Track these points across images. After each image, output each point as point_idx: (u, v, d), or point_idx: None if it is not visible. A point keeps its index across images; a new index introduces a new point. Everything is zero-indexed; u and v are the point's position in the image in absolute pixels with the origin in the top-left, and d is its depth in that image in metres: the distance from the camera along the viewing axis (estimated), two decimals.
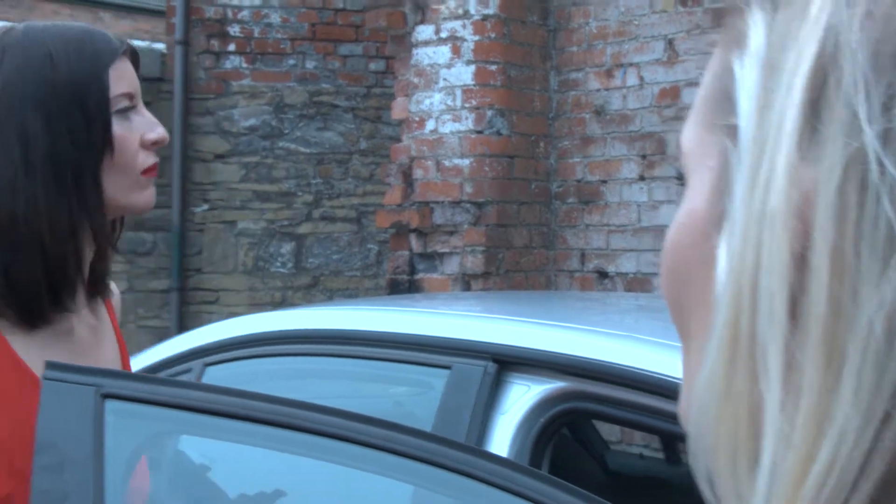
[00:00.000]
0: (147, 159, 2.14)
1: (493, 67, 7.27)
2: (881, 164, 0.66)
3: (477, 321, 3.38)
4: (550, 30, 7.62)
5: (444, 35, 7.43)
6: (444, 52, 7.42)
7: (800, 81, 0.70)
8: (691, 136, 0.83)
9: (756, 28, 0.76)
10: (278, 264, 9.97)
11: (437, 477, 2.12)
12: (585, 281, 7.31)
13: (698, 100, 0.84)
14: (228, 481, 2.60)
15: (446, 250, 7.22)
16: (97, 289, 2.25)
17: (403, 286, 7.35)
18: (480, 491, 2.08)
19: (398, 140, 7.85)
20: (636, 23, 7.19)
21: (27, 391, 2.03)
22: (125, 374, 2.27)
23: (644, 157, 7.08)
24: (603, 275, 7.21)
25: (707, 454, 0.74)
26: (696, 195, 0.81)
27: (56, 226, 2.01)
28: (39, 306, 2.04)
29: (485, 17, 7.29)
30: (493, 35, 7.30)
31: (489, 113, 7.21)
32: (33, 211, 1.99)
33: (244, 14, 10.18)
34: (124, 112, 2.10)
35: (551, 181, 7.53)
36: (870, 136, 0.66)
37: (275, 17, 10.20)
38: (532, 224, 7.39)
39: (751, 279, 0.71)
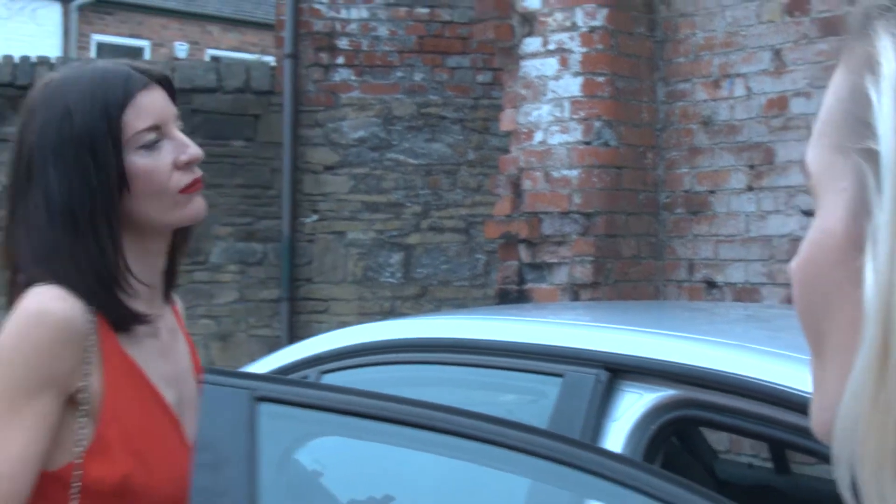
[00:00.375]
0: (183, 178, 2.34)
1: (601, 79, 7.30)
2: None
3: (588, 330, 3.43)
4: (658, 41, 7.63)
5: (551, 47, 7.47)
6: (551, 63, 7.46)
7: None
8: (819, 159, 0.86)
9: (887, 53, 0.78)
10: (387, 274, 10.07)
11: (560, 473, 2.20)
12: (694, 291, 7.30)
13: (823, 122, 0.86)
14: (369, 478, 2.70)
15: (555, 260, 7.25)
16: (169, 293, 2.54)
17: (512, 296, 7.40)
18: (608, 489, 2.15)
19: (506, 151, 7.90)
20: (743, 33, 7.18)
21: (137, 384, 2.32)
22: (277, 379, 2.42)
23: (752, 167, 7.06)
24: (711, 285, 7.21)
25: (852, 462, 0.77)
26: (831, 216, 0.84)
27: (76, 262, 2.25)
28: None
29: (592, 29, 7.33)
30: (600, 47, 7.33)
31: (597, 124, 7.24)
32: (56, 254, 2.26)
33: (352, 27, 10.30)
34: (150, 144, 2.31)
35: (659, 192, 7.54)
36: None
37: (383, 30, 10.30)
38: (640, 234, 7.41)
39: None
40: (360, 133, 10.18)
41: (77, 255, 2.24)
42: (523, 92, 7.57)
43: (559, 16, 7.45)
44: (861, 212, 0.79)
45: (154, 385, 2.35)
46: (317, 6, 10.30)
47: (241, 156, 10.03)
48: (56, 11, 23.07)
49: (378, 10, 10.33)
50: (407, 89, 10.26)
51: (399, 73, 10.28)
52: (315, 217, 10.09)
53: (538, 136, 7.44)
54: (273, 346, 8.06)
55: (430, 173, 10.13)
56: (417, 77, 10.28)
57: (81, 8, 23.35)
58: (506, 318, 3.89)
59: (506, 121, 7.78)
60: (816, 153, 0.86)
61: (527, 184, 7.45)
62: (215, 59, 19.91)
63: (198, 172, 2.38)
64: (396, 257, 10.06)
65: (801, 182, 6.26)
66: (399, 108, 10.22)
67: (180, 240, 2.50)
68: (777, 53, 7.00)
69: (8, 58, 10.10)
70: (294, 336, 9.37)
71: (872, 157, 0.78)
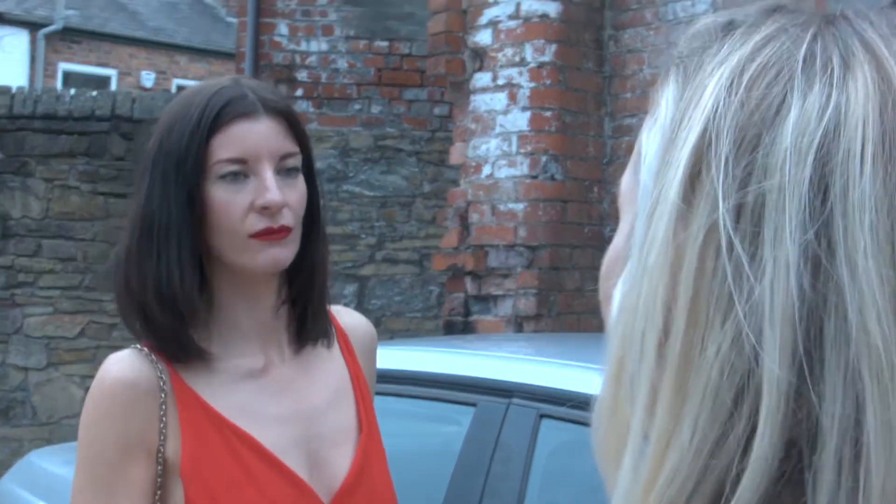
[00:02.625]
0: (256, 223, 2.13)
1: (549, 113, 7.40)
2: (728, 233, 0.79)
3: (500, 361, 3.51)
4: (605, 76, 7.75)
5: (501, 82, 7.57)
6: (500, 98, 7.56)
7: (684, 159, 0.83)
8: (626, 181, 0.95)
9: (667, 101, 0.88)
10: (342, 305, 10.10)
11: None
12: None
13: (634, 150, 0.95)
14: None
15: (500, 293, 7.34)
16: (303, 334, 2.34)
17: (458, 327, 7.47)
18: None
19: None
20: None
21: (220, 431, 2.15)
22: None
23: None
24: None
25: (600, 458, 0.89)
26: (619, 234, 0.94)
27: (142, 272, 2.14)
28: (173, 346, 2.16)
29: (541, 65, 7.43)
30: (548, 82, 7.44)
31: (544, 158, 7.34)
32: (125, 259, 2.16)
33: (312, 59, 10.38)
34: (232, 176, 2.13)
35: (605, 225, 7.63)
36: (723, 210, 0.79)
37: (342, 63, 10.39)
38: (585, 267, 7.50)
39: (632, 320, 0.84)
40: (318, 165, 10.19)
41: (144, 265, 2.13)
42: (473, 126, 7.67)
43: (509, 51, 7.56)
44: (630, 235, 0.89)
45: (241, 428, 2.17)
46: (277, 38, 10.39)
47: None
48: (23, 40, 23.09)
49: (338, 43, 10.41)
50: (364, 121, 10.33)
51: (357, 106, 10.36)
52: None
53: (486, 170, 7.53)
54: None
55: (385, 205, 10.20)
56: (375, 109, 10.35)
57: (49, 36, 23.35)
58: (425, 349, 3.97)
59: (455, 154, 7.88)
60: (625, 177, 0.95)
61: (474, 217, 7.54)
62: (182, 88, 19.95)
63: (281, 221, 2.14)
64: (351, 288, 10.12)
65: None
66: (356, 141, 10.29)
67: (304, 287, 2.31)
68: None
69: None
70: None
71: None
